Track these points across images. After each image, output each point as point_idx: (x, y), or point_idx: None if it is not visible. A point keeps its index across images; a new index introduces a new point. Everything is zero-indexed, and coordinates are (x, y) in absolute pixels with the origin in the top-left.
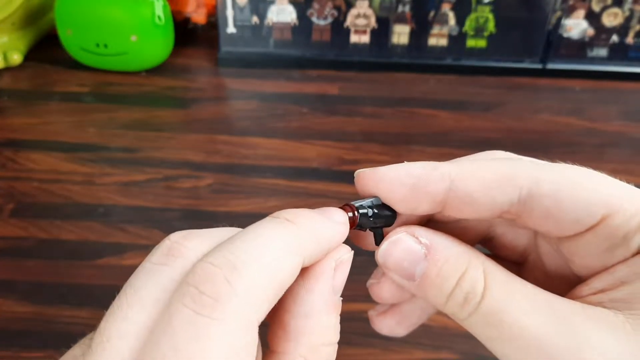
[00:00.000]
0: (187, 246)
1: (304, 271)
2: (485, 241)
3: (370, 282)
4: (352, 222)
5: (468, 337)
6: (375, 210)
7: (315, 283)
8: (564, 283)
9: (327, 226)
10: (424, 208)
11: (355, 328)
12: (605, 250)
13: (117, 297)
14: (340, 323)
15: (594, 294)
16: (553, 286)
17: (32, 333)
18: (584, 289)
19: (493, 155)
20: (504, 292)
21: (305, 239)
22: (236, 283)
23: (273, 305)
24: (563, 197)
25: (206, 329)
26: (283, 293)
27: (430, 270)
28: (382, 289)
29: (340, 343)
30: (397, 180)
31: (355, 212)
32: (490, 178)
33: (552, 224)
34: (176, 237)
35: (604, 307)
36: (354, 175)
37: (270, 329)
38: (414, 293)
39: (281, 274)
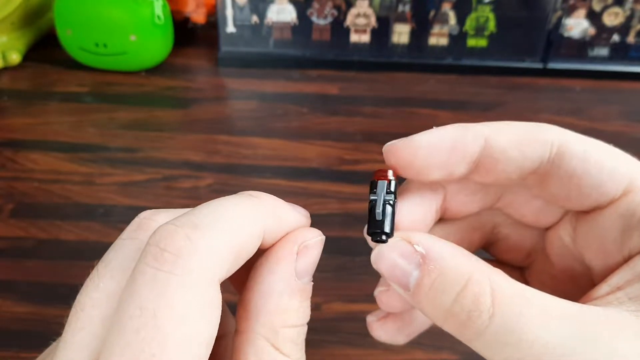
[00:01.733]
0: (155, 220)
1: (268, 253)
2: (489, 244)
3: (379, 289)
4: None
5: None
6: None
7: (276, 265)
8: (573, 285)
9: (289, 210)
10: (460, 171)
11: (355, 328)
12: (622, 232)
13: (90, 273)
14: (340, 323)
15: (613, 292)
16: (562, 289)
17: (32, 333)
18: (603, 288)
19: None
20: (518, 307)
21: (266, 213)
22: (197, 240)
23: (234, 269)
24: (591, 160)
25: (169, 284)
26: (244, 260)
27: (423, 281)
28: (391, 296)
29: (340, 343)
30: (436, 145)
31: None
32: (522, 134)
33: (576, 190)
34: (145, 214)
35: (625, 307)
36: (383, 149)
37: (237, 310)
38: (411, 305)
39: (241, 237)
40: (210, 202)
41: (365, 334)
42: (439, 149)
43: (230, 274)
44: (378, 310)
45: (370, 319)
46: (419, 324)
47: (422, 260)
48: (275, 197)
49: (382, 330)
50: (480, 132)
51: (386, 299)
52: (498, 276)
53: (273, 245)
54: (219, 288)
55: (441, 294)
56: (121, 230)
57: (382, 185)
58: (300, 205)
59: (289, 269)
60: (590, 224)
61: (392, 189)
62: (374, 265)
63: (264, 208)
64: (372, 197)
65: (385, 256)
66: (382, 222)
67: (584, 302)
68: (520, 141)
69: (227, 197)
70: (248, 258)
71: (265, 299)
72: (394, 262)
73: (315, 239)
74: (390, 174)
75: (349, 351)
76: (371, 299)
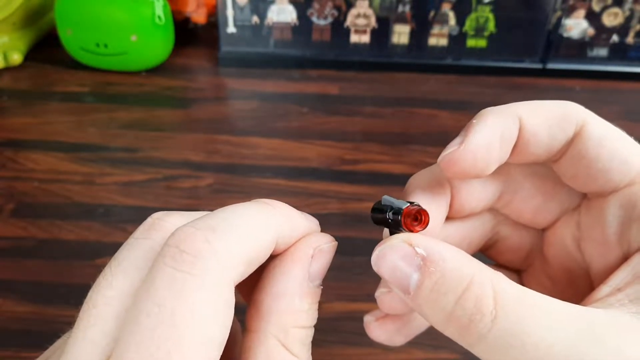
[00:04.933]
0: (168, 221)
1: (283, 255)
2: (487, 247)
3: (380, 291)
4: (426, 221)
5: None
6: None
7: (291, 267)
8: (571, 288)
9: (301, 218)
10: (507, 157)
11: (355, 328)
12: (622, 223)
13: (102, 271)
14: (340, 323)
15: (613, 294)
16: (560, 293)
17: (32, 333)
18: (604, 289)
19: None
20: (521, 309)
21: (281, 221)
22: (215, 242)
23: (248, 273)
24: (606, 146)
25: (187, 284)
26: (257, 265)
27: (423, 283)
28: (393, 298)
29: (340, 343)
30: (491, 142)
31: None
32: (552, 115)
33: (584, 171)
34: (158, 214)
35: (627, 309)
36: (440, 162)
37: (247, 310)
38: (412, 308)
39: (257, 243)
40: (226, 207)
41: (365, 334)
42: (494, 144)
43: (244, 277)
44: (376, 310)
45: (368, 319)
46: (418, 325)
47: (422, 262)
48: (288, 205)
49: (380, 330)
50: (515, 114)
51: (388, 301)
52: (500, 279)
53: (286, 249)
54: (234, 290)
55: (443, 296)
56: (122, 230)
57: (390, 202)
58: (300, 205)
59: (303, 272)
60: (593, 212)
61: (397, 218)
62: (375, 268)
63: (278, 216)
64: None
65: (385, 258)
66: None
67: (585, 304)
68: (550, 124)
69: (242, 203)
70: (261, 263)
71: (278, 300)
72: (394, 264)
73: (330, 244)
74: (412, 220)
75: (348, 350)
76: (371, 299)
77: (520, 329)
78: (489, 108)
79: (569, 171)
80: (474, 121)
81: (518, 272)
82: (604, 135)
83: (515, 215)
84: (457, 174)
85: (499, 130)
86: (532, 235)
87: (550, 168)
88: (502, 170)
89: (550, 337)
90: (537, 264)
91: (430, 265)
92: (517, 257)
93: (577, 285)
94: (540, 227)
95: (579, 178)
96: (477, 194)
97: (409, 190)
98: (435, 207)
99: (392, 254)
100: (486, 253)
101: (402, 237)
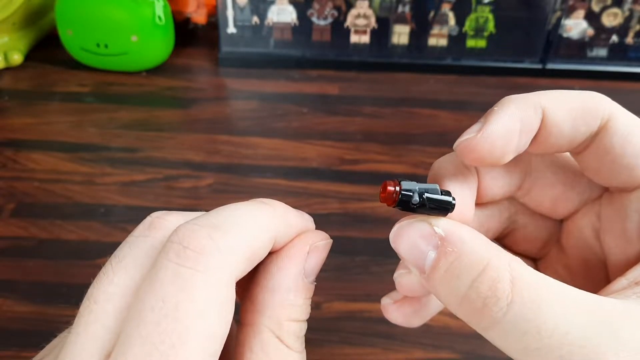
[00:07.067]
0: (168, 219)
1: (279, 251)
2: (503, 235)
3: (399, 272)
4: (391, 198)
5: (468, 337)
6: (427, 196)
7: (287, 262)
8: (587, 279)
9: (297, 217)
10: (526, 147)
11: (355, 328)
12: None
13: (103, 267)
14: (340, 322)
15: (630, 286)
16: (576, 282)
17: (32, 333)
18: (621, 281)
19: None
20: (538, 295)
21: (279, 220)
22: (218, 239)
23: (248, 270)
24: (632, 142)
25: (191, 280)
26: (256, 263)
27: (439, 263)
28: (411, 280)
29: (340, 343)
30: (510, 131)
31: (397, 187)
32: (576, 107)
33: (608, 166)
34: (157, 213)
35: None
36: (456, 147)
37: (242, 305)
38: (426, 287)
39: (257, 240)
40: (226, 206)
41: (366, 333)
42: (513, 134)
43: (244, 274)
44: (393, 292)
45: (386, 301)
46: (435, 306)
47: (440, 242)
48: (285, 204)
49: (397, 313)
50: (538, 104)
51: (406, 283)
52: (518, 264)
53: (282, 246)
54: (235, 286)
55: (457, 278)
56: (122, 229)
57: (408, 183)
58: (300, 205)
59: (299, 268)
60: (614, 206)
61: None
62: (392, 245)
63: (276, 215)
64: (415, 196)
65: (403, 236)
66: (446, 192)
67: (601, 295)
68: (574, 116)
69: (241, 202)
70: (260, 260)
71: (273, 294)
72: (413, 242)
73: (325, 242)
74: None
75: (348, 350)
76: (371, 299)
77: (536, 314)
78: (512, 96)
79: (592, 164)
80: (495, 108)
81: (534, 261)
82: (630, 131)
83: (534, 205)
84: (473, 161)
85: (519, 120)
86: (549, 225)
87: (572, 158)
88: (524, 159)
89: (565, 325)
90: (554, 253)
91: (447, 245)
92: (533, 247)
93: (594, 276)
94: (558, 218)
95: (602, 172)
96: (499, 181)
97: (437, 175)
98: (467, 191)
99: (411, 232)
100: (502, 242)
101: (421, 217)
